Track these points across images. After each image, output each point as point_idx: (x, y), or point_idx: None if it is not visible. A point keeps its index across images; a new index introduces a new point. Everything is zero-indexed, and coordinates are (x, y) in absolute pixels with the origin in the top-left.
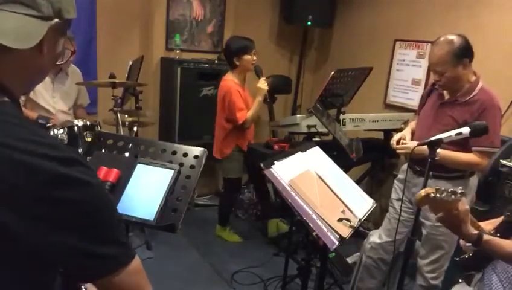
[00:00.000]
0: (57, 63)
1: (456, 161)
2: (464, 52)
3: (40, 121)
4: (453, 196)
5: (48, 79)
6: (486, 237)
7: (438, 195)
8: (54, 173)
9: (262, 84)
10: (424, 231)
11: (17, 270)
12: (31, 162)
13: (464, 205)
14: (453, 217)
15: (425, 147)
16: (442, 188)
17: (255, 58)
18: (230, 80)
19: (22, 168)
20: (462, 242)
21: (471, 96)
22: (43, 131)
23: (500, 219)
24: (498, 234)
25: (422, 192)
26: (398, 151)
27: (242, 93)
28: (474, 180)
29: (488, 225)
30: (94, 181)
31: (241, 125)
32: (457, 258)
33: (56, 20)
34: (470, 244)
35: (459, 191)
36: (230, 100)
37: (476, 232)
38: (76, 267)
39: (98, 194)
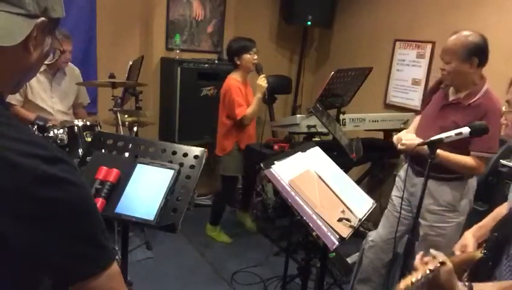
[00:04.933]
0: (46, 62)
1: (453, 162)
2: (476, 51)
3: (37, 122)
4: (430, 274)
5: (45, 79)
6: (476, 288)
7: (415, 283)
8: (37, 172)
9: (262, 81)
10: (421, 232)
11: (7, 270)
12: (14, 160)
13: (446, 269)
14: (438, 286)
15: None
16: (419, 276)
17: (255, 57)
18: (232, 78)
19: (4, 167)
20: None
21: (474, 99)
22: (29, 129)
23: (488, 221)
24: (485, 251)
25: (402, 286)
26: (401, 147)
27: (243, 91)
28: (473, 182)
29: (478, 230)
30: (78, 180)
31: (240, 121)
32: None
33: (42, 18)
34: None
35: (439, 262)
36: (230, 97)
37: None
38: (58, 268)
39: (82, 193)
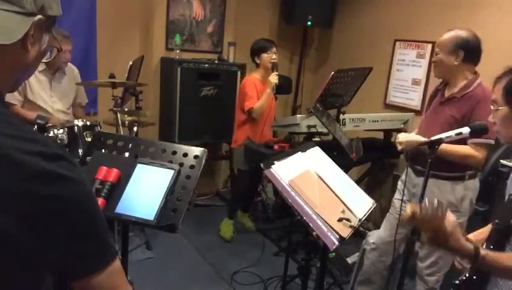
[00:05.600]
0: (44, 60)
1: (452, 152)
2: (463, 45)
3: (38, 120)
4: (439, 210)
5: (45, 79)
6: (483, 251)
7: (424, 211)
8: (37, 169)
9: (272, 77)
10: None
11: (7, 269)
12: (15, 158)
13: (450, 217)
14: (443, 232)
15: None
16: (427, 204)
17: (273, 56)
18: (251, 76)
19: (6, 164)
20: (456, 263)
21: (468, 91)
22: (29, 127)
23: (489, 227)
24: (491, 246)
25: (408, 211)
26: (400, 146)
27: (259, 87)
28: (475, 183)
29: (479, 235)
30: (78, 178)
31: (248, 113)
32: (457, 281)
33: (39, 16)
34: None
35: (444, 203)
36: (243, 90)
37: (471, 246)
38: (59, 266)
39: (82, 191)
